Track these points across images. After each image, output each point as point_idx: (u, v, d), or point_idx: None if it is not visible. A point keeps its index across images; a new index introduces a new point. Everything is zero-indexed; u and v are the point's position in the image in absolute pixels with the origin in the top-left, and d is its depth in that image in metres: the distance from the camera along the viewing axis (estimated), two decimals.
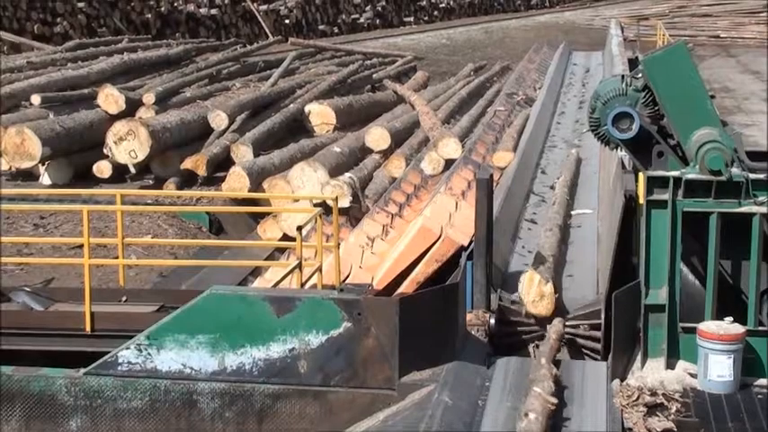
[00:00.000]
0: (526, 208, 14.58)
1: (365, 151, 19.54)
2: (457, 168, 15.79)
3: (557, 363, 9.30)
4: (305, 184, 17.01)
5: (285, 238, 15.76)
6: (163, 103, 21.61)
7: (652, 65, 9.18)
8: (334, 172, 17.33)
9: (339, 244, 11.48)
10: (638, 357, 9.20)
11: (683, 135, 9.13)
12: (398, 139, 20.14)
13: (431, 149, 18.71)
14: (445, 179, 15.30)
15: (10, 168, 19.07)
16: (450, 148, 18.84)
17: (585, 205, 14.60)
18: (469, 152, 17.32)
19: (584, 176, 16.44)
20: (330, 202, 11.23)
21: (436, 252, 12.42)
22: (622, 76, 9.54)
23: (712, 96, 9.57)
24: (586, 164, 17.20)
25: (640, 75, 9.31)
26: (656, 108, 9.18)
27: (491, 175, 11.04)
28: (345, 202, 16.18)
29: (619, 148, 9.65)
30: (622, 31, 35.39)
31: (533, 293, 10.33)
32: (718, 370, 8.83)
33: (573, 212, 14.14)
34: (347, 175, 17.06)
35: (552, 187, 15.45)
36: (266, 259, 14.69)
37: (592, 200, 14.87)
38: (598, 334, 10.10)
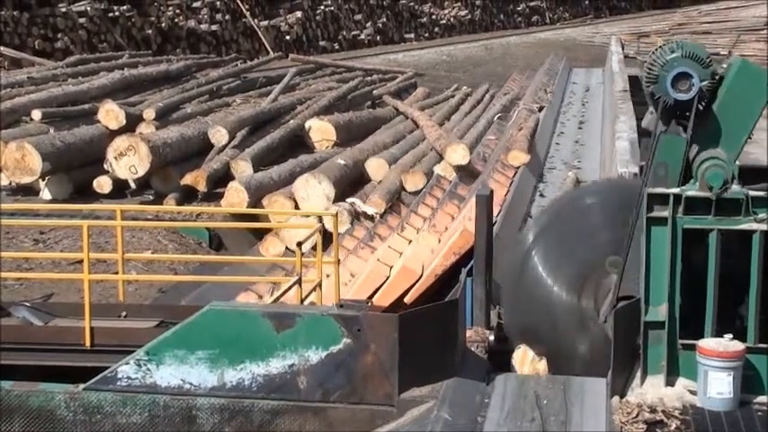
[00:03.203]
0: None
1: None
2: (442, 204, 15.67)
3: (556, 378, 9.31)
4: (309, 196, 17.06)
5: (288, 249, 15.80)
6: (163, 118, 21.64)
7: (743, 69, 9.09)
8: (338, 184, 17.35)
9: (339, 260, 11.48)
10: (638, 374, 9.19)
11: (706, 142, 9.09)
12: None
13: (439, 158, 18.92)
14: (429, 216, 15.20)
15: (10, 183, 19.09)
16: (459, 154, 18.92)
17: None
18: (455, 186, 17.15)
19: None
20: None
21: (454, 245, 12.40)
22: (709, 55, 9.39)
23: (750, 136, 9.47)
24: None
25: (725, 65, 9.23)
26: (710, 100, 9.10)
27: (491, 192, 11.05)
28: (343, 229, 16.20)
29: (652, 96, 9.37)
30: (623, 48, 35.50)
31: (526, 372, 10.17)
32: (718, 387, 8.82)
33: None
34: (349, 200, 17.08)
35: None
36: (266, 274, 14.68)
37: None
38: None
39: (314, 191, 17.07)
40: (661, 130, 9.17)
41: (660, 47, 9.51)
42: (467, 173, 18.80)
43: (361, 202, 17.06)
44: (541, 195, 16.77)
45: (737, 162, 9.18)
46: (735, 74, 9.07)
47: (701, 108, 9.10)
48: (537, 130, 20.37)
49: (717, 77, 9.12)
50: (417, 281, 12.64)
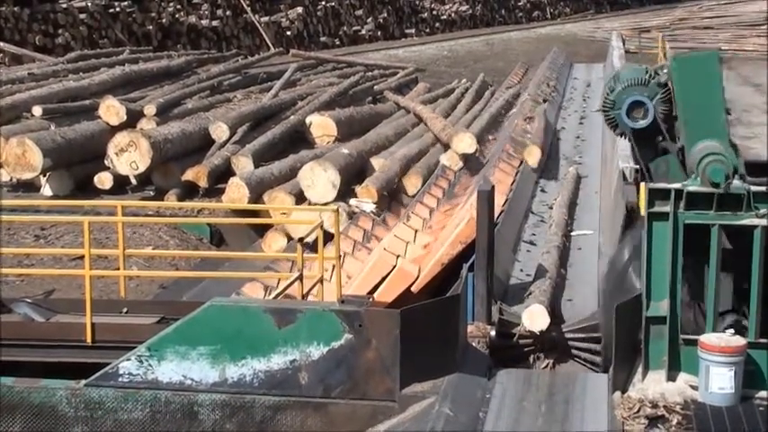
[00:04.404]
0: (525, 229, 14.40)
1: (371, 154, 19.56)
2: (439, 206, 15.72)
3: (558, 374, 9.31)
4: (315, 184, 17.05)
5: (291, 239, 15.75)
6: (164, 114, 21.61)
7: (680, 65, 9.16)
8: (343, 172, 17.35)
9: (341, 256, 11.48)
10: (639, 369, 9.19)
11: (689, 140, 9.13)
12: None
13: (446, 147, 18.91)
14: (426, 217, 15.15)
15: (11, 179, 19.07)
16: (466, 143, 18.95)
17: (586, 226, 14.42)
18: (453, 186, 17.04)
19: (584, 195, 16.25)
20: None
21: (461, 234, 12.39)
22: (647, 68, 9.51)
23: (728, 112, 9.55)
24: (587, 182, 17.04)
25: (666, 71, 9.29)
26: (671, 107, 9.16)
27: (492, 187, 11.05)
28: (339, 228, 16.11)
29: (624, 136, 9.59)
30: (624, 44, 35.46)
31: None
32: (720, 382, 8.82)
33: (573, 233, 13.99)
34: (353, 201, 17.06)
35: (551, 207, 15.29)
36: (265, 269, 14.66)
37: (593, 220, 14.68)
38: (598, 346, 10.10)
39: (319, 178, 17.05)
40: (648, 161, 9.25)
41: (605, 87, 9.67)
42: (470, 164, 18.83)
43: (359, 201, 17.00)
44: (543, 191, 16.72)
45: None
46: (677, 73, 9.14)
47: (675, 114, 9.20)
48: (548, 126, 20.31)
49: (667, 83, 9.19)
50: (413, 282, 12.65)
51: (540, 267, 11.84)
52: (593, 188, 16.55)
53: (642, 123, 9.10)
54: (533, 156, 17.57)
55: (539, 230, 14.26)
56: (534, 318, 10.33)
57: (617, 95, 9.24)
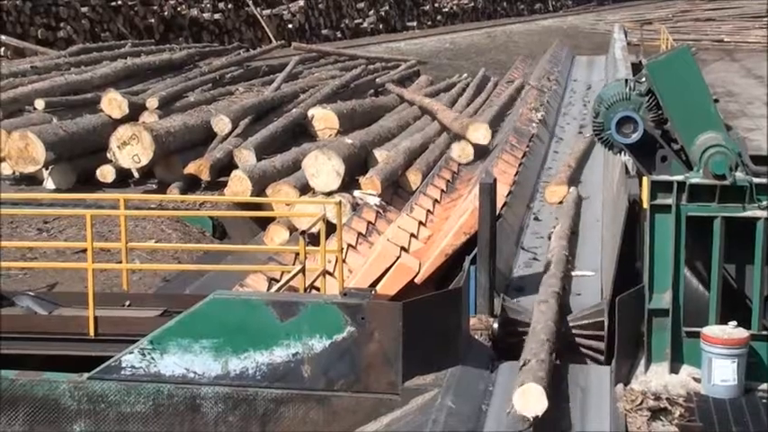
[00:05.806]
0: (514, 269, 12.18)
1: (374, 146, 19.56)
2: (443, 197, 15.80)
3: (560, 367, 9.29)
4: (319, 173, 17.05)
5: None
6: (166, 107, 21.63)
7: (656, 69, 9.19)
8: (347, 162, 17.34)
9: (343, 249, 11.48)
10: (642, 362, 9.19)
11: (687, 139, 9.13)
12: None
13: (457, 139, 19.07)
14: (427, 212, 15.07)
15: (14, 173, 19.08)
16: (481, 133, 18.93)
17: (586, 264, 12.23)
18: (455, 181, 17.00)
19: (584, 222, 13.89)
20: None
21: (465, 225, 12.39)
22: (626, 81, 9.55)
23: (716, 101, 9.57)
24: (588, 204, 14.76)
25: (644, 79, 9.32)
26: (660, 112, 9.18)
27: (494, 180, 11.04)
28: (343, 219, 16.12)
29: (622, 153, 9.65)
30: (626, 36, 35.40)
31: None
32: (722, 374, 8.82)
33: (573, 274, 11.84)
34: (355, 193, 17.07)
35: (550, 237, 12.91)
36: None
37: (594, 257, 12.41)
38: (602, 342, 10.07)
39: (324, 167, 17.04)
40: (651, 170, 9.27)
41: (591, 111, 9.71)
42: (478, 156, 18.84)
43: (364, 193, 16.98)
44: (537, 219, 14.43)
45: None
46: (656, 78, 9.14)
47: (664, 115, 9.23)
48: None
49: (650, 91, 9.21)
50: (414, 276, 12.66)
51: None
52: (596, 214, 14.21)
53: (634, 137, 9.13)
54: (557, 195, 15.25)
55: (529, 271, 12.16)
56: (528, 399, 7.95)
57: (603, 116, 9.27)
